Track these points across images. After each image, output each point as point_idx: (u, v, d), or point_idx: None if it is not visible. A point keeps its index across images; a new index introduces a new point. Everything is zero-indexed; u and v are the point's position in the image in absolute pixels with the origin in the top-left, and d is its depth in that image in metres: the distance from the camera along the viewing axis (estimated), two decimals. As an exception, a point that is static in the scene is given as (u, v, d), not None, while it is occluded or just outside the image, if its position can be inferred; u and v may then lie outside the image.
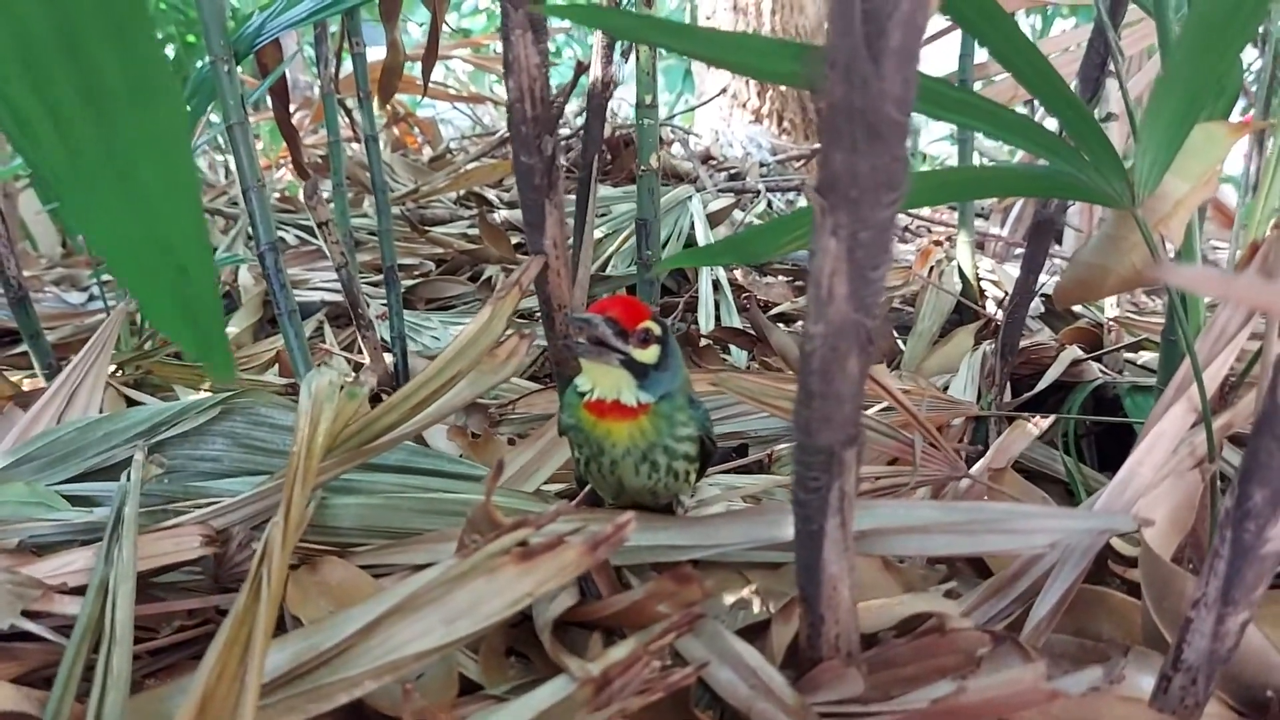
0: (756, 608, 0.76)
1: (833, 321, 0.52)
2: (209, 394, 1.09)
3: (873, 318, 0.53)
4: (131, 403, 1.32)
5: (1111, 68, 1.03)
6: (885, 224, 0.50)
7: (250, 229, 1.64)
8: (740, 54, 0.64)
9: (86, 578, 0.71)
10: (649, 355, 0.76)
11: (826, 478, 0.57)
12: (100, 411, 1.20)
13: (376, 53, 2.01)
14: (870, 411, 1.04)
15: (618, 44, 1.74)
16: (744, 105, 3.81)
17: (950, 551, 0.69)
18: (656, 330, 0.76)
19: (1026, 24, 4.42)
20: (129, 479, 0.82)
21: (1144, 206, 0.64)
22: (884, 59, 0.45)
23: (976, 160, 1.99)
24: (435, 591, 0.60)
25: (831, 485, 0.57)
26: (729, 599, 0.77)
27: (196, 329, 0.50)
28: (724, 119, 3.81)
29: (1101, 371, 1.40)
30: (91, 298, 2.16)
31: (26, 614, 0.68)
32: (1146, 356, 1.47)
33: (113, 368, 1.41)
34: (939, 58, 2.17)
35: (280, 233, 2.39)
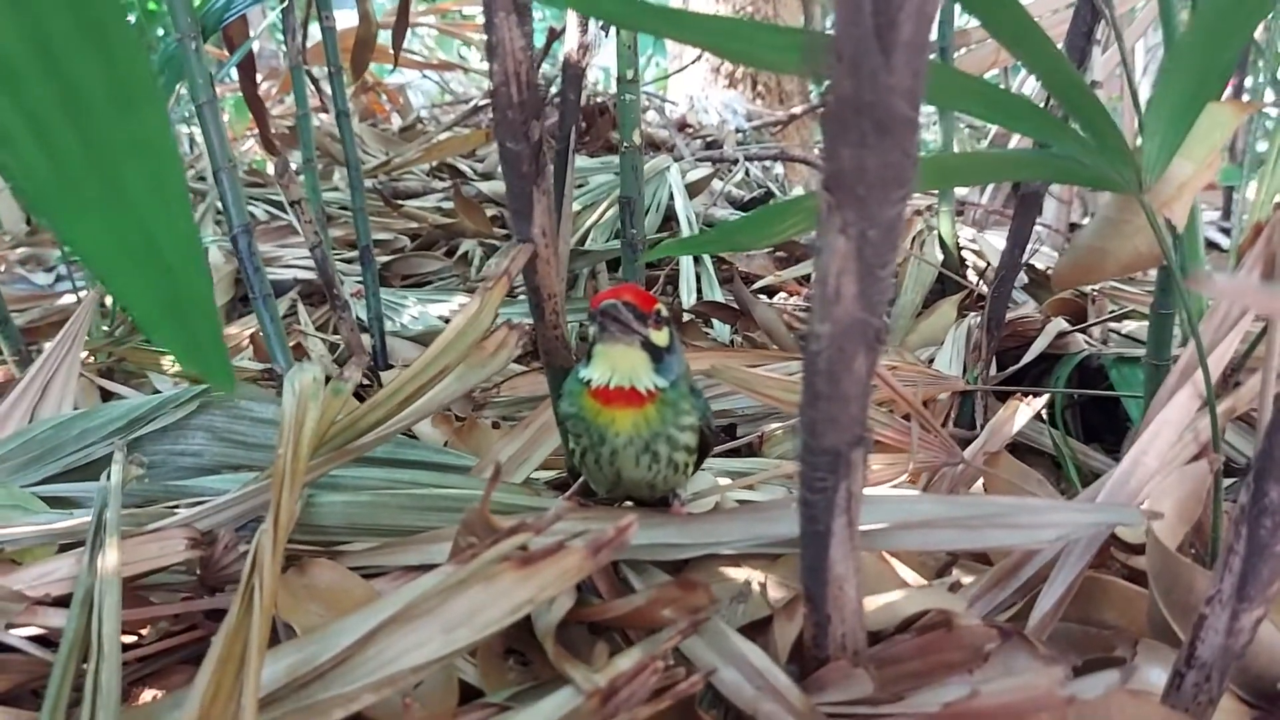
0: (757, 598, 0.75)
1: (840, 321, 0.50)
2: (185, 385, 1.07)
3: (880, 316, 0.51)
4: (105, 393, 1.29)
5: (1099, 36, 1.01)
6: (893, 221, 0.48)
7: (220, 207, 1.61)
8: (738, 42, 0.61)
9: (70, 586, 0.69)
10: (663, 338, 0.76)
11: (833, 479, 0.55)
12: (74, 404, 1.17)
13: (345, 19, 1.97)
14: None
15: (593, 11, 1.71)
16: (717, 70, 3.76)
17: (954, 547, 0.69)
18: (665, 313, 0.76)
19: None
20: (109, 480, 0.80)
21: (1149, 190, 0.63)
22: (894, 52, 0.44)
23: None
24: (433, 600, 0.58)
25: (838, 486, 0.56)
26: (727, 591, 0.76)
27: (191, 336, 0.48)
28: (701, 85, 3.76)
29: (1087, 343, 1.40)
30: (59, 278, 2.11)
31: (9, 626, 0.66)
32: (1131, 326, 1.47)
33: (84, 354, 1.38)
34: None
35: (250, 207, 2.35)
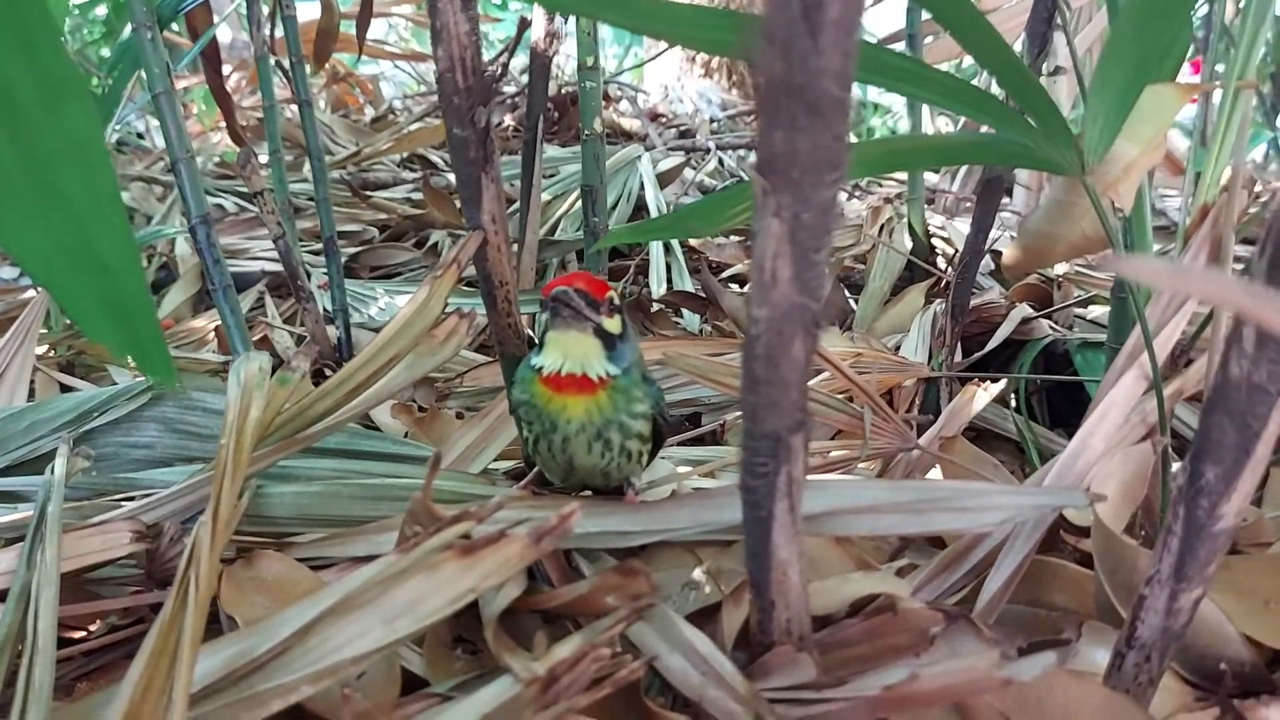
0: (707, 587, 0.75)
1: (777, 305, 0.50)
2: (141, 377, 1.05)
3: (817, 300, 0.51)
4: (63, 386, 1.28)
5: (1059, 21, 1.01)
6: (827, 204, 0.48)
7: (184, 200, 1.59)
8: (678, 25, 0.61)
9: (9, 581, 0.68)
10: (615, 325, 0.76)
11: (774, 463, 0.55)
12: (31, 397, 1.16)
13: (312, 10, 1.95)
14: (816, 380, 1.03)
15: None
16: (693, 60, 3.75)
17: (900, 531, 0.68)
18: (618, 300, 0.77)
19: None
20: (53, 474, 0.79)
21: (1093, 173, 0.62)
22: (822, 32, 0.43)
23: (926, 114, 1.97)
24: (374, 590, 0.57)
25: (779, 471, 0.55)
26: (678, 577, 0.76)
27: (128, 331, 0.48)
28: (675, 75, 3.75)
29: (1052, 328, 1.41)
30: (23, 272, 2.09)
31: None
32: (1097, 311, 1.47)
33: (44, 348, 1.36)
34: (886, 11, 2.14)
35: (218, 200, 2.33)
